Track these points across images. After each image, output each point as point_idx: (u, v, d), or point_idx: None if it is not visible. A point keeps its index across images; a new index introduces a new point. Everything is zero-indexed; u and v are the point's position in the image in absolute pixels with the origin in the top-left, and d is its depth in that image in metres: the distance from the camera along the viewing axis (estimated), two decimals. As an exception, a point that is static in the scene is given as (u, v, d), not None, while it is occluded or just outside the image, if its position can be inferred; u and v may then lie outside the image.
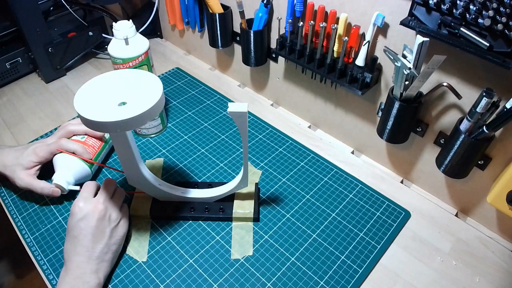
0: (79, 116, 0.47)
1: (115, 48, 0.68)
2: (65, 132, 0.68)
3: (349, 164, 0.75)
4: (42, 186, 0.63)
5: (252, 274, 0.58)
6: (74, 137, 0.69)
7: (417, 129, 0.64)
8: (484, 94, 0.49)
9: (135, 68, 0.68)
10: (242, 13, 0.74)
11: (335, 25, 0.61)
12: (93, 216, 0.54)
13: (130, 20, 0.67)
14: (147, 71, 0.68)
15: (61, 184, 0.63)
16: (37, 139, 0.79)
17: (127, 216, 0.61)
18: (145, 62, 0.69)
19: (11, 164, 0.63)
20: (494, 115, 0.51)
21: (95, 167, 0.70)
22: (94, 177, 0.71)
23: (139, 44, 0.69)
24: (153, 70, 0.73)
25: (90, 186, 0.58)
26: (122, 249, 0.60)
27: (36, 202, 0.67)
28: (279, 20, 0.70)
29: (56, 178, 0.63)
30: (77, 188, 0.64)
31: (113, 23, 0.66)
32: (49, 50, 0.89)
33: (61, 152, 0.65)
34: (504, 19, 0.45)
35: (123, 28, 0.66)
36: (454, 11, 0.48)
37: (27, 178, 0.63)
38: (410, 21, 0.53)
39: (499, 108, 0.51)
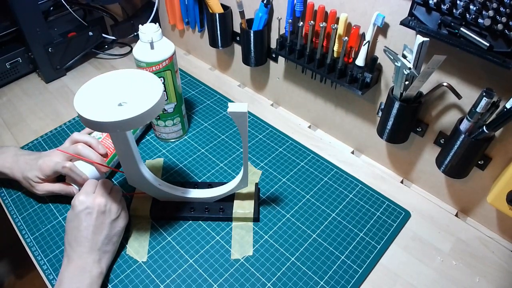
0: (79, 116, 0.47)
1: (139, 51, 0.66)
2: (70, 142, 0.67)
3: (349, 164, 0.75)
4: (60, 189, 0.64)
5: (252, 274, 0.58)
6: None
7: (417, 129, 0.64)
8: (484, 94, 0.49)
9: (158, 73, 0.67)
10: (242, 13, 0.74)
11: (335, 25, 0.61)
12: (93, 209, 0.55)
13: (157, 24, 0.66)
14: (170, 76, 0.68)
15: (73, 184, 0.64)
16: (37, 139, 0.79)
17: (126, 210, 0.62)
18: (169, 67, 0.68)
19: (21, 178, 0.64)
20: (494, 115, 0.51)
21: (109, 170, 0.70)
22: (108, 178, 0.70)
23: (164, 48, 0.67)
24: (177, 76, 0.71)
25: (91, 183, 0.59)
26: (122, 249, 0.60)
27: (36, 202, 0.67)
28: (279, 20, 0.70)
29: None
30: None
31: (140, 26, 0.65)
32: (49, 50, 0.89)
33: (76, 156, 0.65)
34: (504, 19, 0.45)
35: (149, 32, 0.65)
36: (454, 11, 0.48)
37: (43, 188, 0.64)
38: (410, 21, 0.53)
39: (499, 108, 0.51)
